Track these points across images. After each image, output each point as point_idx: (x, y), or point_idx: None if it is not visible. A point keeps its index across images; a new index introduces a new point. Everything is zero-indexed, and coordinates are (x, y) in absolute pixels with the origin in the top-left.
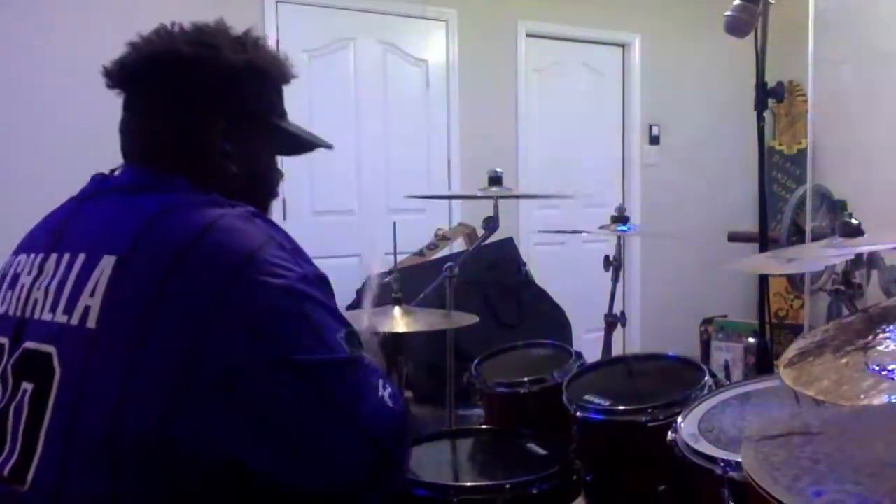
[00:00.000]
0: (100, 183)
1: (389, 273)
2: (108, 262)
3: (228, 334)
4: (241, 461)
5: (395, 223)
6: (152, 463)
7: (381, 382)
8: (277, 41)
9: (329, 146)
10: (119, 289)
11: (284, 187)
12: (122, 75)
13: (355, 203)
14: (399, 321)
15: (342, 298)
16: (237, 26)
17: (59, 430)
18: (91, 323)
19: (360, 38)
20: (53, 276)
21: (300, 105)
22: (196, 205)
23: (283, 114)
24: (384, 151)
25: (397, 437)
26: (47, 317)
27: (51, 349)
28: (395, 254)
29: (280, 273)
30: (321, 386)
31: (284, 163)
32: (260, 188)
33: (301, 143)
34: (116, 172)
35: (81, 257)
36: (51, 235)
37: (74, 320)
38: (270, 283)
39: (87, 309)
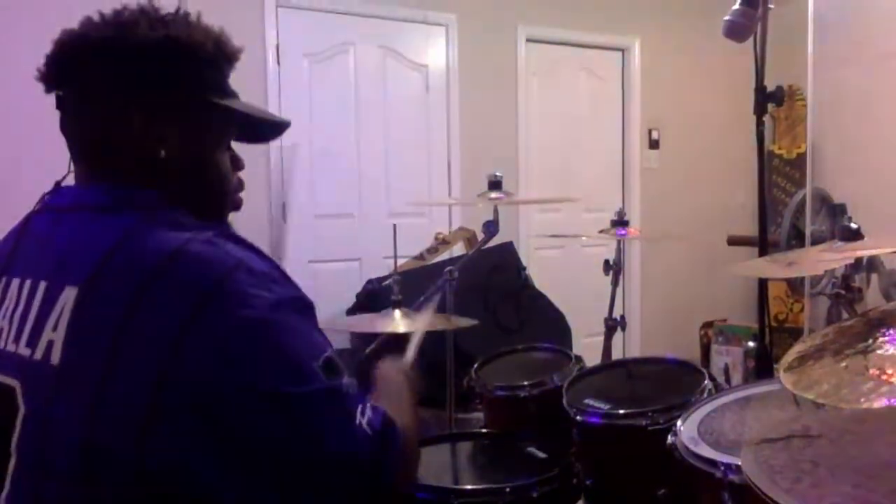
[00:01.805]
0: (54, 200)
1: (390, 277)
2: (69, 294)
3: (197, 366)
4: (214, 491)
5: (395, 227)
6: (127, 496)
7: (359, 408)
8: (278, 46)
9: (286, 124)
10: (82, 323)
11: (284, 190)
12: (53, 76)
13: (355, 207)
14: (399, 324)
15: (341, 302)
16: (237, 31)
17: (28, 466)
18: (55, 359)
19: (361, 42)
20: (16, 305)
21: (300, 109)
22: (159, 228)
23: (229, 94)
24: (384, 155)
25: (376, 458)
26: (11, 347)
27: (14, 383)
28: (395, 257)
29: (250, 302)
30: (292, 418)
31: (284, 165)
32: (209, 180)
33: (256, 126)
34: (67, 181)
35: (42, 286)
36: (6, 259)
37: (38, 355)
38: (240, 314)
39: (50, 343)
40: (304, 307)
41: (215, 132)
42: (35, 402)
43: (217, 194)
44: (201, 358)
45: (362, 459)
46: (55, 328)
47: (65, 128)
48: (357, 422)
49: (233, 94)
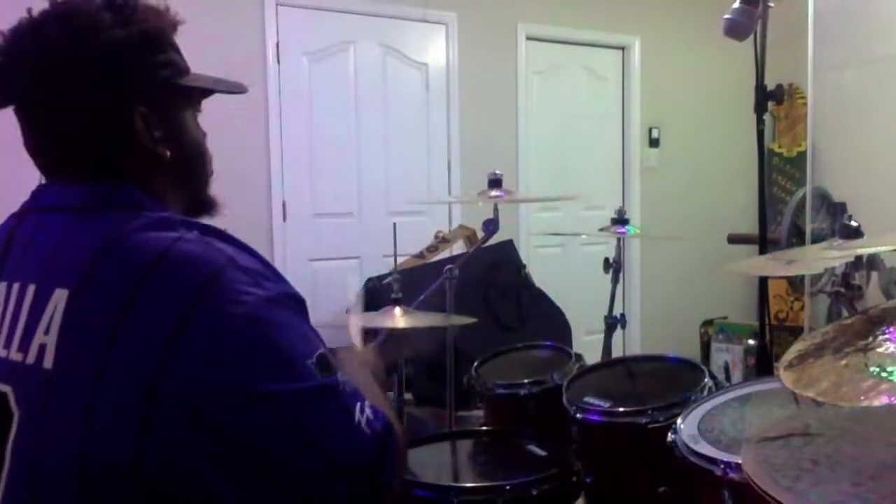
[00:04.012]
0: (41, 199)
1: (389, 275)
2: (60, 297)
3: (190, 366)
4: (214, 493)
5: (395, 225)
6: (122, 495)
7: (357, 406)
8: (278, 44)
9: (243, 90)
10: (74, 325)
11: (284, 189)
12: (9, 90)
13: (355, 205)
14: (399, 322)
15: (341, 301)
16: (238, 29)
17: (22, 472)
18: (48, 363)
19: (361, 41)
20: (5, 309)
21: (300, 107)
22: (146, 228)
23: (187, 69)
24: (384, 154)
25: (376, 461)
26: (2, 353)
27: (7, 389)
28: (395, 256)
29: (242, 299)
30: (288, 417)
31: (284, 163)
32: (196, 164)
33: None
34: (48, 186)
35: (31, 289)
36: None
37: (30, 359)
38: (232, 312)
39: (42, 348)
40: (295, 304)
41: (188, 111)
42: (29, 406)
43: (202, 170)
44: (195, 357)
45: (361, 462)
46: (47, 331)
47: (39, 146)
48: (356, 420)
49: (188, 68)
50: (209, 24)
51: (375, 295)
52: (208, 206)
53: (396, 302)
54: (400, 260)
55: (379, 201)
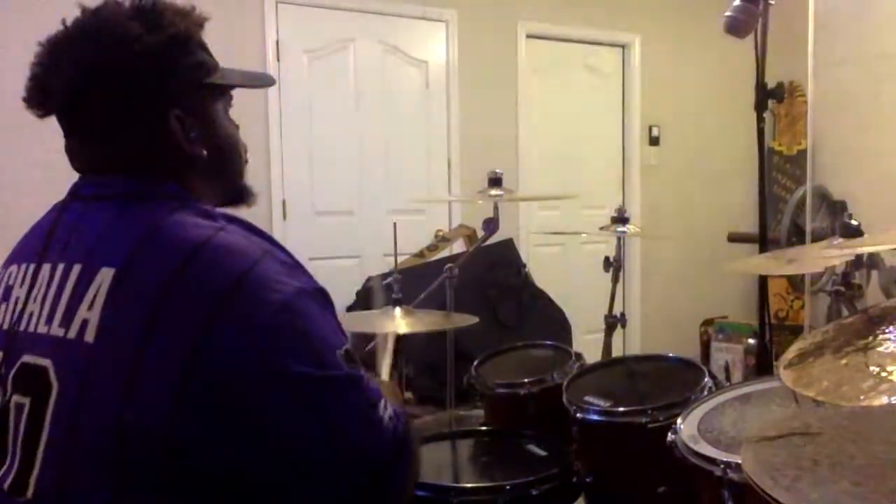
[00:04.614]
0: (84, 189)
1: (390, 274)
2: (106, 275)
3: (225, 348)
4: (242, 470)
5: (395, 224)
6: (156, 472)
7: (381, 402)
8: (278, 42)
9: (271, 82)
10: (117, 303)
11: (285, 188)
12: (51, 103)
13: (355, 204)
14: (399, 322)
15: (341, 300)
16: (237, 27)
17: (59, 442)
18: (89, 337)
19: (361, 38)
20: (48, 288)
21: (300, 105)
22: (189, 217)
23: (217, 66)
24: (384, 152)
25: (393, 460)
26: (42, 329)
27: (46, 363)
28: (395, 255)
29: (278, 288)
30: (317, 403)
31: (284, 161)
32: (230, 157)
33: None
34: (91, 179)
35: (77, 268)
36: (40, 244)
37: (72, 334)
38: (269, 298)
39: (84, 322)
40: (325, 299)
41: (220, 106)
42: (68, 380)
43: (237, 162)
44: (230, 340)
45: (382, 456)
46: (91, 307)
47: (81, 152)
48: (379, 414)
49: (217, 65)
50: (209, 22)
51: (375, 294)
52: (244, 194)
53: (397, 302)
54: (400, 259)
55: (379, 200)
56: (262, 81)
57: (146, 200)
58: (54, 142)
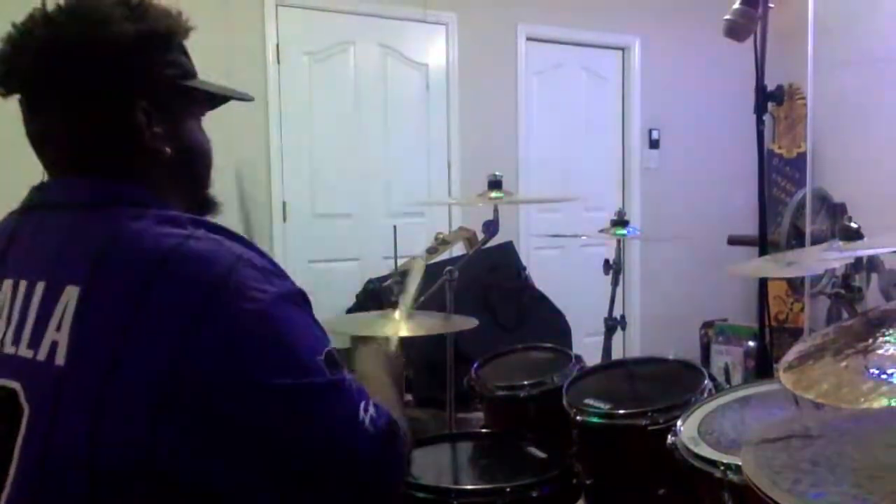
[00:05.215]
0: (39, 196)
1: (389, 277)
2: (71, 293)
3: (202, 361)
4: (220, 487)
5: (395, 227)
6: (131, 490)
7: (362, 405)
8: (278, 44)
9: (249, 98)
10: (86, 322)
11: (285, 190)
12: (13, 79)
13: (355, 206)
14: (400, 324)
15: (341, 302)
16: (238, 29)
17: (30, 465)
18: (59, 359)
19: (361, 41)
20: (12, 306)
21: (300, 108)
22: (153, 225)
23: (194, 73)
24: (384, 155)
25: (378, 460)
26: (10, 350)
27: (16, 385)
28: (395, 257)
29: (254, 296)
30: (295, 412)
31: (284, 164)
32: (197, 162)
33: (219, 99)
34: (50, 183)
35: (41, 286)
36: None
37: (41, 356)
38: (244, 308)
39: (54, 344)
40: (303, 301)
41: (193, 113)
42: (39, 403)
43: (203, 173)
44: (207, 351)
45: (363, 458)
46: (58, 328)
47: (39, 134)
48: (360, 419)
49: (196, 73)
50: (209, 25)
51: (375, 297)
52: (208, 205)
53: (396, 305)
54: (400, 261)
55: (379, 202)
56: (238, 95)
57: (108, 207)
58: None
